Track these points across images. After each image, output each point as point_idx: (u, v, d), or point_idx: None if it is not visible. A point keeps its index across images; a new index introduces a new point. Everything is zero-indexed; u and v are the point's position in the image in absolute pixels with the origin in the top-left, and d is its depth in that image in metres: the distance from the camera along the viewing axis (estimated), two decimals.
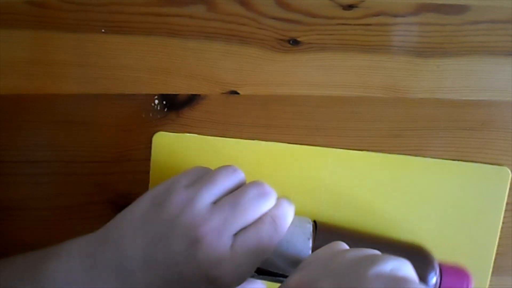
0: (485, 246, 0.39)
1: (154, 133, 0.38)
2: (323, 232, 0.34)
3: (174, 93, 0.38)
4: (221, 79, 0.38)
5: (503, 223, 0.39)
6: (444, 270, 0.34)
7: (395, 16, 0.38)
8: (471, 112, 0.40)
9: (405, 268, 0.26)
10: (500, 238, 0.39)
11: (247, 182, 0.32)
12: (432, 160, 0.39)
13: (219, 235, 0.28)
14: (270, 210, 0.30)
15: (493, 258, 0.39)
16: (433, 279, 0.33)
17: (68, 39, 0.37)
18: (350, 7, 0.38)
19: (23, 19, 0.37)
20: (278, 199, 0.32)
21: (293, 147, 0.39)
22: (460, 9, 0.38)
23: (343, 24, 0.38)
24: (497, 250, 0.39)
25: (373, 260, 0.25)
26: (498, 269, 0.40)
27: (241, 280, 0.29)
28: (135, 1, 0.37)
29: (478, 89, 0.39)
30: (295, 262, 0.31)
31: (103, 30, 0.37)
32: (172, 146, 0.38)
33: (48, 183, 0.38)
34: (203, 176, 0.31)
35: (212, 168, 0.32)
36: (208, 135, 0.39)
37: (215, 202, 0.30)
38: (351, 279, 0.24)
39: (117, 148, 0.38)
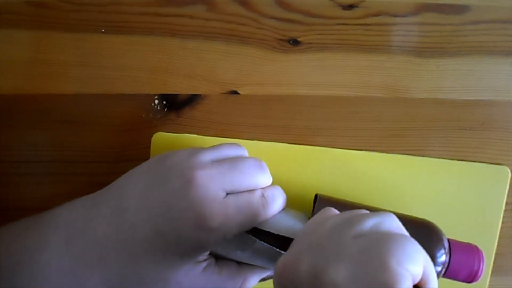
0: (485, 246, 0.39)
1: (154, 133, 0.38)
2: (323, 204, 0.33)
3: (174, 93, 0.38)
4: (221, 79, 0.38)
5: (502, 223, 0.39)
6: (455, 247, 0.32)
7: (395, 16, 0.38)
8: (471, 112, 0.40)
9: (387, 223, 0.24)
10: (499, 238, 0.39)
11: None
12: (431, 160, 0.39)
13: (212, 182, 0.29)
14: (262, 188, 0.32)
15: (493, 257, 0.39)
16: (442, 256, 0.31)
17: (68, 39, 0.37)
18: (350, 7, 0.38)
19: (23, 19, 0.37)
20: (273, 185, 0.33)
21: (293, 147, 0.39)
22: (460, 9, 0.38)
23: (343, 24, 0.38)
24: (497, 250, 0.39)
25: (351, 222, 0.24)
26: (498, 269, 0.40)
27: (228, 232, 0.30)
28: (135, 1, 0.37)
29: (478, 89, 0.39)
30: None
31: (103, 30, 0.37)
32: (171, 146, 0.38)
33: (48, 183, 0.38)
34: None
35: None
36: (208, 135, 0.39)
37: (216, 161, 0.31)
38: (331, 249, 0.23)
39: (117, 148, 0.38)
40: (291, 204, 0.37)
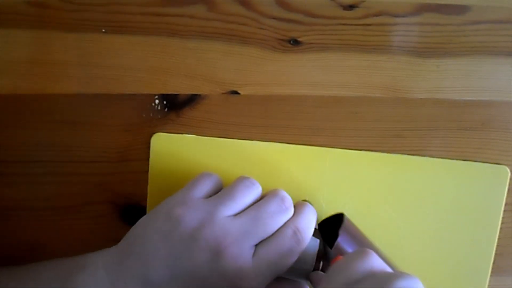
0: (484, 245, 0.39)
1: (154, 133, 0.38)
2: (346, 233, 0.34)
3: (174, 93, 0.38)
4: (221, 79, 0.38)
5: (502, 223, 0.39)
6: None
7: (395, 16, 0.38)
8: (471, 112, 0.40)
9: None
10: (499, 238, 0.39)
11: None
12: (431, 159, 0.39)
13: (241, 247, 0.29)
14: (292, 221, 0.31)
15: (493, 257, 0.39)
16: None
17: (68, 39, 0.37)
18: (350, 7, 0.38)
19: (23, 19, 0.37)
20: (301, 205, 0.33)
21: (293, 147, 0.39)
22: (461, 9, 0.38)
23: (343, 24, 0.38)
24: (496, 251, 0.39)
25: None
26: (497, 269, 0.40)
27: (267, 282, 0.30)
28: (135, 1, 0.37)
29: (478, 89, 0.39)
30: (300, 273, 0.32)
31: (103, 30, 0.37)
32: (170, 147, 0.38)
33: (48, 183, 0.38)
34: (218, 188, 0.33)
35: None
36: (208, 135, 0.39)
37: (235, 215, 0.31)
38: None
39: (117, 148, 0.38)
40: None
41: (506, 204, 0.39)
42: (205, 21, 0.37)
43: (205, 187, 0.32)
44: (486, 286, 0.39)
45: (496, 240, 0.39)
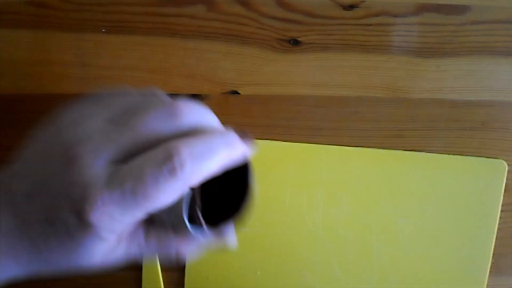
0: (483, 240, 0.39)
1: None
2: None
3: (174, 93, 0.38)
4: (221, 79, 0.38)
5: (501, 223, 0.39)
6: None
7: (396, 16, 0.38)
8: (472, 112, 0.40)
9: None
10: (498, 238, 0.39)
11: None
12: (428, 155, 0.39)
13: (97, 158, 0.21)
14: (177, 139, 0.21)
15: (492, 251, 0.39)
16: None
17: (68, 39, 0.37)
18: (350, 7, 0.38)
19: (23, 19, 0.37)
20: (212, 131, 0.23)
21: (291, 145, 0.39)
22: (460, 9, 0.38)
23: (343, 24, 0.38)
24: (496, 251, 0.39)
25: None
26: (497, 269, 0.40)
27: (111, 226, 0.21)
28: (135, 1, 0.37)
29: (478, 89, 0.39)
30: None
31: (103, 30, 0.37)
32: None
33: None
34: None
35: None
36: None
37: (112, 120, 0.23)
38: None
39: None
40: (289, 204, 0.37)
41: (504, 204, 0.39)
42: (205, 21, 0.37)
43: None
44: (485, 285, 0.39)
45: (495, 235, 0.39)
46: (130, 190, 0.20)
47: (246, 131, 0.24)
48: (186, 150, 0.21)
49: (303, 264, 0.38)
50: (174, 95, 0.38)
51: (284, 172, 0.38)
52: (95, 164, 0.21)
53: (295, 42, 0.38)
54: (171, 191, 0.21)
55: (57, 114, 0.25)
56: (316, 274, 0.38)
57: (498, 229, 0.39)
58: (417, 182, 0.39)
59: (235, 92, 0.38)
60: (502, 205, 0.39)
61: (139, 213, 0.21)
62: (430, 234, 0.39)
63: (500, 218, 0.39)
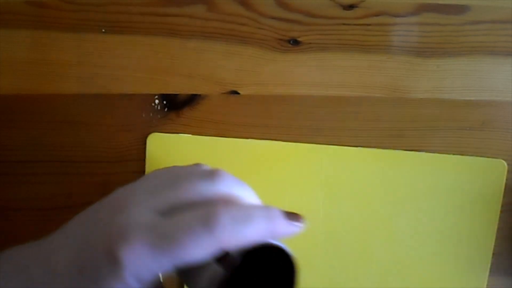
0: (483, 240, 0.39)
1: (154, 133, 0.38)
2: None
3: (174, 93, 0.38)
4: (221, 79, 0.38)
5: (500, 223, 0.39)
6: None
7: (395, 16, 0.38)
8: (471, 112, 0.40)
9: None
10: (499, 239, 0.39)
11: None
12: (428, 155, 0.39)
13: (140, 204, 0.23)
14: (220, 203, 0.23)
15: (491, 253, 0.39)
16: None
17: (68, 39, 0.37)
18: (350, 7, 0.38)
19: (23, 19, 0.37)
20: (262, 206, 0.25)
21: (290, 145, 0.39)
22: (460, 9, 0.38)
23: (343, 24, 0.38)
24: (496, 251, 0.39)
25: None
26: (497, 270, 0.40)
27: (144, 271, 0.22)
28: (135, 1, 0.37)
29: (478, 89, 0.39)
30: None
31: (103, 30, 0.37)
32: (166, 147, 0.38)
33: (48, 183, 0.38)
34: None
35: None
36: (208, 135, 0.39)
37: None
38: None
39: (117, 148, 0.38)
40: (289, 204, 0.37)
41: (504, 204, 0.39)
42: (205, 21, 0.37)
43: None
44: (485, 285, 0.39)
45: (495, 235, 0.39)
46: (167, 235, 0.21)
47: (296, 214, 0.25)
48: (226, 211, 0.22)
49: (303, 264, 0.38)
50: (174, 95, 0.38)
51: (284, 172, 0.38)
52: (140, 212, 0.23)
53: (295, 42, 0.38)
54: (204, 245, 0.21)
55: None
56: (316, 274, 0.38)
57: (498, 229, 0.39)
58: (417, 182, 0.39)
59: (235, 92, 0.38)
60: (502, 205, 0.39)
61: (168, 262, 0.21)
62: (430, 233, 0.39)
63: (500, 218, 0.39)
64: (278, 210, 0.24)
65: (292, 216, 0.25)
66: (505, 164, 0.39)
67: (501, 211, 0.39)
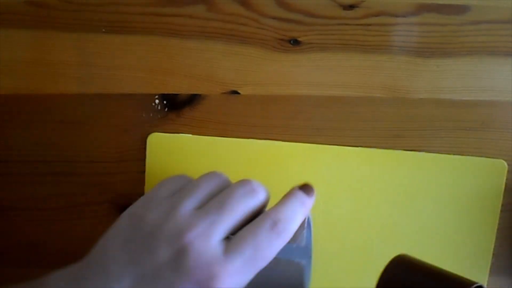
0: (483, 240, 0.39)
1: (154, 133, 0.38)
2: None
3: (174, 93, 0.38)
4: (221, 79, 0.38)
5: (500, 223, 0.39)
6: None
7: (395, 16, 0.38)
8: (471, 112, 0.40)
9: None
10: (499, 239, 0.39)
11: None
12: (428, 155, 0.39)
13: (207, 240, 0.25)
14: (272, 210, 0.27)
15: (491, 253, 0.39)
16: None
17: (68, 39, 0.37)
18: (350, 7, 0.38)
19: (23, 19, 0.37)
20: (287, 195, 0.29)
21: (290, 145, 0.39)
22: (460, 9, 0.38)
23: (343, 24, 0.38)
24: (496, 251, 0.39)
25: None
26: (497, 270, 0.40)
27: (243, 282, 0.26)
28: (135, 1, 0.37)
29: (478, 89, 0.39)
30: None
31: (103, 30, 0.37)
32: (166, 147, 0.38)
33: (48, 183, 0.38)
34: (184, 184, 0.29)
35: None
36: (208, 135, 0.39)
37: (200, 208, 0.27)
38: None
39: (117, 148, 0.38)
40: None
41: (504, 204, 0.39)
42: (205, 21, 0.37)
43: (171, 185, 0.29)
44: (485, 285, 0.39)
45: (495, 235, 0.39)
46: (251, 255, 0.25)
47: (308, 184, 0.30)
48: (283, 217, 0.27)
49: None
50: (174, 95, 0.38)
51: (284, 172, 0.38)
52: (208, 246, 0.25)
53: (295, 42, 0.38)
54: (276, 248, 0.26)
55: (137, 206, 0.29)
56: (316, 273, 0.38)
57: (498, 229, 0.39)
58: (417, 182, 0.39)
59: (235, 92, 0.38)
60: (502, 205, 0.39)
61: (254, 274, 0.26)
62: (430, 233, 0.39)
63: (500, 218, 0.39)
64: (300, 192, 0.29)
65: (307, 189, 0.30)
66: (505, 164, 0.39)
67: (501, 211, 0.39)
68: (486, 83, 0.39)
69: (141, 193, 0.39)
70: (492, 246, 0.39)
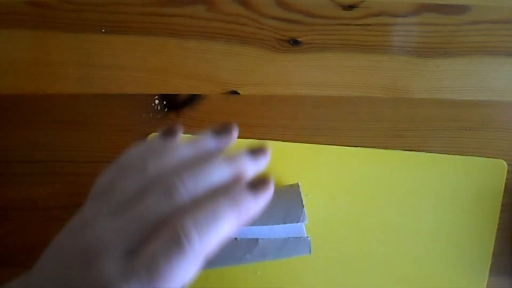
0: (483, 240, 0.39)
1: (154, 133, 0.38)
2: None
3: (174, 93, 0.38)
4: (221, 79, 0.38)
5: (501, 223, 0.39)
6: None
7: (395, 16, 0.38)
8: (471, 112, 0.40)
9: None
10: (499, 238, 0.39)
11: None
12: (428, 155, 0.39)
13: (110, 256, 0.22)
14: (180, 214, 0.22)
15: (491, 253, 0.39)
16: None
17: (68, 39, 0.37)
18: (350, 7, 0.38)
19: (23, 19, 0.37)
20: (213, 193, 0.23)
21: (290, 145, 0.39)
22: (460, 9, 0.38)
23: (343, 24, 0.38)
24: (496, 251, 0.39)
25: None
26: (497, 269, 0.40)
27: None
28: (135, 1, 0.37)
29: (478, 89, 0.39)
30: None
31: (103, 30, 0.37)
32: None
33: (48, 183, 0.38)
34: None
35: None
36: None
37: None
38: None
39: (117, 148, 0.38)
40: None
41: (504, 204, 0.39)
42: (205, 21, 0.38)
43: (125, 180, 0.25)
44: (485, 285, 0.39)
45: (495, 234, 0.39)
46: (147, 277, 0.20)
47: (263, 179, 0.24)
48: (190, 224, 0.21)
49: (303, 264, 0.38)
50: (174, 95, 0.38)
51: (283, 172, 0.38)
52: (111, 262, 0.21)
53: (295, 42, 0.38)
54: (186, 267, 0.21)
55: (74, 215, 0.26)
56: (316, 273, 0.38)
57: (498, 229, 0.39)
58: (417, 182, 0.39)
59: (235, 92, 0.38)
60: (502, 205, 0.39)
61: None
62: (430, 233, 0.39)
63: (500, 218, 0.39)
64: (242, 188, 0.23)
65: (258, 184, 0.24)
66: (505, 164, 0.39)
67: (501, 211, 0.39)
68: (486, 83, 0.39)
69: None
70: (492, 245, 0.39)
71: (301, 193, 0.35)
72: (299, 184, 0.36)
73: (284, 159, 0.38)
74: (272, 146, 0.38)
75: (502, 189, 0.39)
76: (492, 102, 0.40)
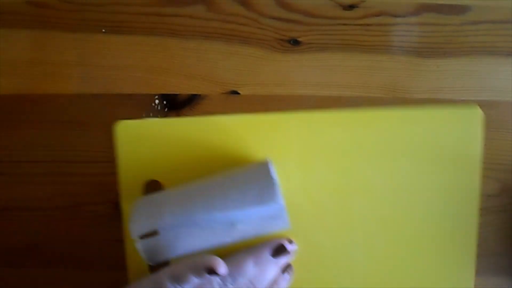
0: (467, 194, 0.37)
1: (121, 120, 0.38)
2: None
3: (174, 93, 0.38)
4: (221, 79, 0.38)
5: (501, 223, 0.39)
6: None
7: (395, 16, 0.38)
8: None
9: None
10: (498, 238, 0.39)
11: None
12: (399, 111, 0.37)
13: None
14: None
15: (478, 208, 0.37)
16: None
17: (68, 39, 0.37)
18: (350, 7, 0.38)
19: (23, 19, 0.37)
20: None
21: (259, 116, 0.38)
22: (460, 9, 0.38)
23: (343, 24, 0.38)
24: (496, 251, 0.39)
25: None
26: (497, 270, 0.40)
27: None
28: (135, 1, 0.37)
29: (478, 89, 0.39)
30: None
31: (103, 30, 0.37)
32: (136, 133, 0.37)
33: (48, 183, 0.38)
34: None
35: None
36: None
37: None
38: None
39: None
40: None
41: (504, 204, 0.39)
42: (205, 21, 0.38)
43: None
44: (475, 239, 0.38)
45: (479, 189, 0.37)
46: None
47: (281, 245, 0.36)
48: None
49: (286, 235, 0.37)
50: (174, 95, 0.38)
51: (254, 145, 0.37)
52: None
53: (295, 42, 0.38)
54: None
55: None
56: (300, 242, 0.38)
57: (497, 229, 0.39)
58: (392, 139, 0.37)
59: (235, 92, 0.38)
60: (502, 205, 0.39)
61: None
62: (411, 191, 0.37)
63: (500, 218, 0.39)
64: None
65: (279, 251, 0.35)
66: (480, 110, 0.38)
67: (501, 211, 0.39)
68: (486, 83, 0.39)
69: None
70: (478, 199, 0.37)
71: (272, 170, 0.34)
72: (269, 161, 0.35)
73: (253, 131, 0.38)
74: (241, 119, 0.38)
75: (480, 138, 0.38)
76: (492, 102, 0.39)
